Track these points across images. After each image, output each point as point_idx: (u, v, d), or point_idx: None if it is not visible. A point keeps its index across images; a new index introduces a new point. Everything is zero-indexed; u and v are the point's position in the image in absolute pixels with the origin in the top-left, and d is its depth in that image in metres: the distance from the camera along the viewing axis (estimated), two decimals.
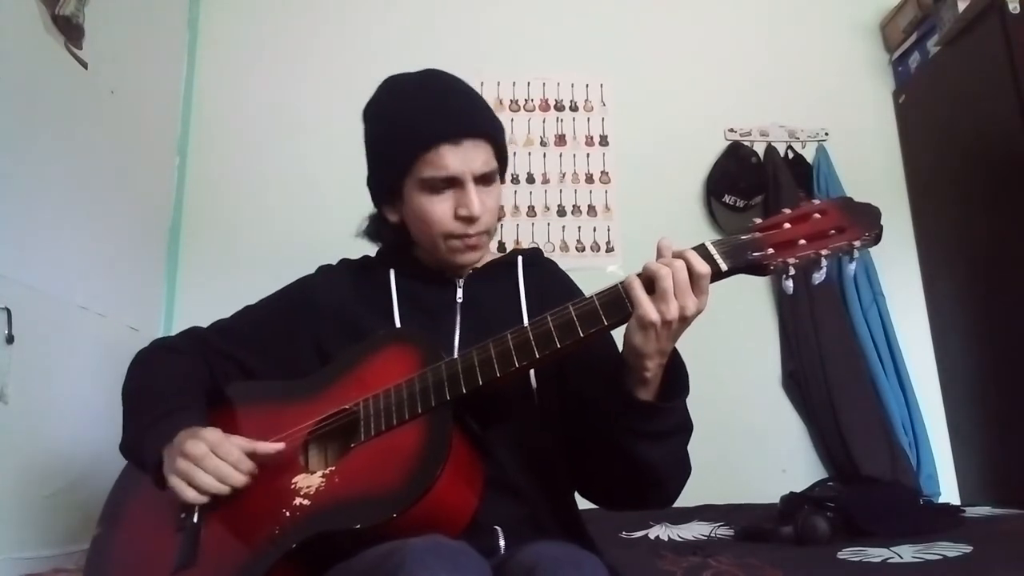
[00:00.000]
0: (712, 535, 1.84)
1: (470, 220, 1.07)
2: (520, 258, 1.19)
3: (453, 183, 1.06)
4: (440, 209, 1.07)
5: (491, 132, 1.09)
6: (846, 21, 2.88)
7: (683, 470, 1.00)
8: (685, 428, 0.96)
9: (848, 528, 1.71)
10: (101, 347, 1.99)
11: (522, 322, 0.98)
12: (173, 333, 2.39)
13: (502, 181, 1.15)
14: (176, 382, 1.10)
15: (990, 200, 2.38)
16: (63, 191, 1.87)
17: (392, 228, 1.17)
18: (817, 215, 0.88)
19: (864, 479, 2.24)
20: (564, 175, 2.68)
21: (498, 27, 2.79)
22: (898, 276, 2.62)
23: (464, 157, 1.05)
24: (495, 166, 1.10)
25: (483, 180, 1.08)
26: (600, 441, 0.96)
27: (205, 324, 1.25)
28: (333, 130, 2.56)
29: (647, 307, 0.85)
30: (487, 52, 2.74)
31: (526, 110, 2.72)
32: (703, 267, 0.86)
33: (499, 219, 1.17)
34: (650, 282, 0.87)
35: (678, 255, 0.87)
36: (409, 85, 1.12)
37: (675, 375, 0.93)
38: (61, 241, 1.86)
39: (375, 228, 1.23)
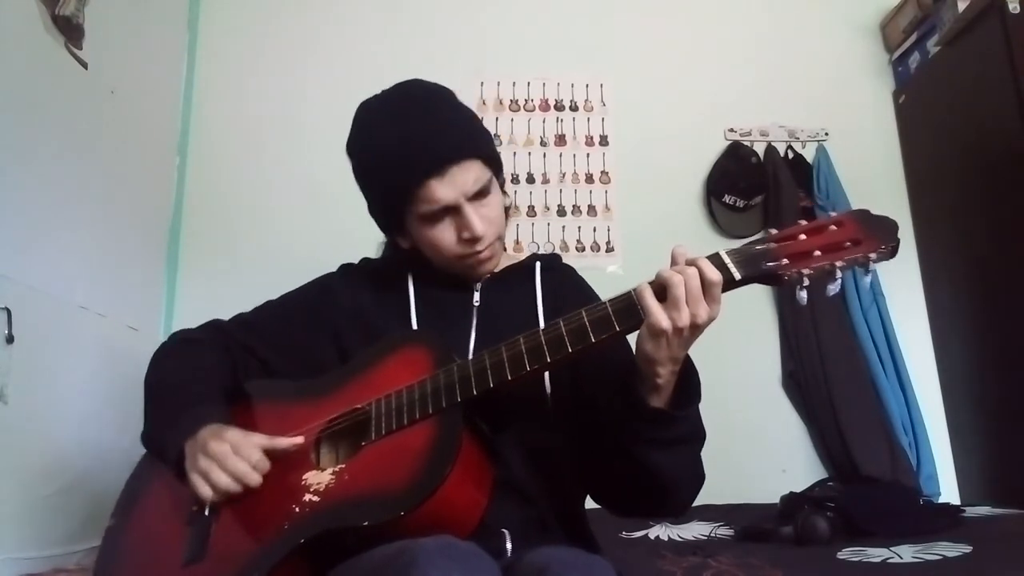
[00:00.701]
0: (712, 535, 1.84)
1: (474, 240, 1.07)
2: (538, 263, 1.19)
3: (450, 210, 1.05)
4: (444, 236, 1.07)
5: (475, 149, 1.07)
6: (846, 21, 2.88)
7: (695, 478, 1.00)
8: (697, 437, 0.96)
9: (848, 528, 1.71)
10: (101, 347, 1.98)
11: (537, 327, 0.99)
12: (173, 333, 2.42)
13: (501, 183, 1.14)
14: (198, 375, 1.11)
15: (990, 200, 2.38)
16: (63, 191, 1.87)
17: (406, 251, 1.18)
18: (833, 227, 0.87)
19: (864, 479, 2.24)
20: (564, 175, 2.68)
21: (498, 27, 2.79)
22: (898, 276, 2.61)
23: (452, 184, 1.03)
24: (488, 177, 1.08)
25: (478, 196, 1.07)
26: (612, 448, 0.96)
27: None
28: (333, 130, 2.54)
29: (658, 314, 0.85)
30: (487, 52, 2.74)
31: (526, 110, 2.72)
32: (715, 275, 0.86)
33: (507, 217, 1.16)
34: (662, 289, 0.87)
35: (691, 263, 0.87)
36: (381, 113, 1.09)
37: (687, 383, 0.93)
38: (61, 241, 1.86)
39: (391, 252, 1.24)
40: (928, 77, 2.65)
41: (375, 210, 1.15)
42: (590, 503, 1.11)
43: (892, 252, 0.86)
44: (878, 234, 0.86)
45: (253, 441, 0.99)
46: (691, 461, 0.98)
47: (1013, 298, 2.26)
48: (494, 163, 1.11)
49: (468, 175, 1.05)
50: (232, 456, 0.96)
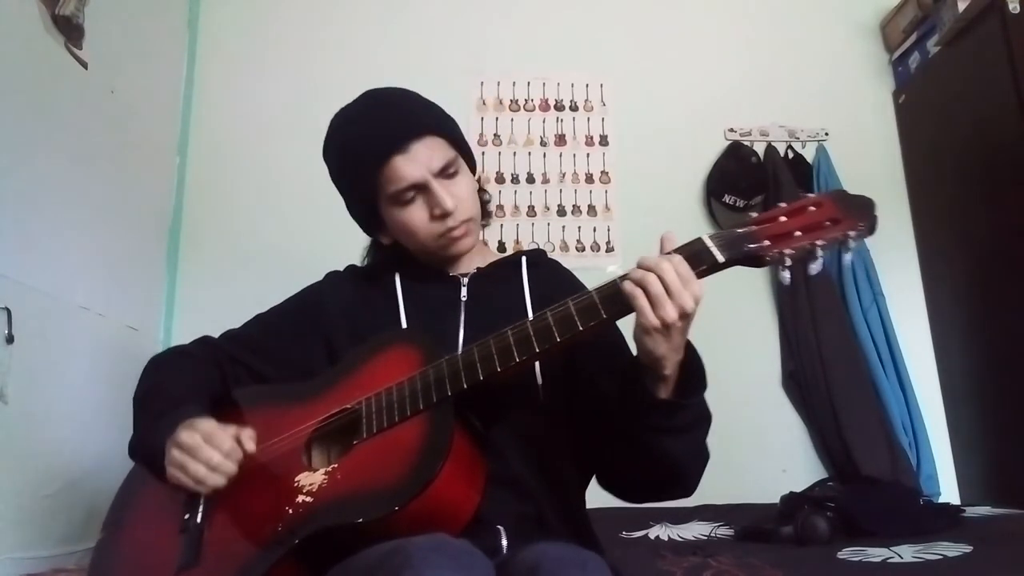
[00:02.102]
0: (712, 535, 1.84)
1: (446, 215, 1.10)
2: (524, 258, 1.20)
3: (418, 188, 1.09)
4: (417, 217, 1.10)
5: (435, 125, 1.11)
6: (846, 21, 2.88)
7: (703, 459, 1.01)
8: (705, 419, 0.97)
9: (848, 528, 1.71)
10: (101, 347, 1.99)
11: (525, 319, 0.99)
12: (173, 333, 2.42)
13: (472, 168, 1.17)
14: (185, 382, 1.12)
15: (990, 200, 2.38)
16: (63, 191, 1.87)
17: (388, 249, 1.21)
18: (812, 208, 0.89)
19: (864, 479, 2.24)
20: (564, 175, 2.68)
21: (498, 27, 2.79)
22: (898, 276, 2.62)
23: (416, 161, 1.07)
24: (453, 155, 1.12)
25: (444, 173, 1.10)
26: (621, 437, 0.97)
27: (204, 324, 1.27)
28: None
29: (648, 315, 0.86)
30: (487, 52, 2.74)
31: (526, 110, 2.72)
32: (682, 264, 0.87)
33: (486, 203, 1.20)
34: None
35: (654, 265, 0.88)
36: (349, 113, 1.16)
37: (693, 369, 0.93)
38: (61, 241, 1.86)
39: (374, 254, 1.27)
40: (928, 77, 2.65)
41: (353, 208, 1.19)
42: (587, 502, 1.11)
43: (870, 230, 0.87)
44: (856, 212, 0.88)
45: (227, 431, 0.99)
46: (699, 443, 0.99)
47: (1013, 298, 2.26)
48: (460, 145, 1.14)
49: (431, 151, 1.09)
50: (204, 447, 0.96)
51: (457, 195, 1.10)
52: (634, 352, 0.93)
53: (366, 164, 1.08)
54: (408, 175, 1.07)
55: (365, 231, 1.23)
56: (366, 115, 1.13)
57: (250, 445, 0.99)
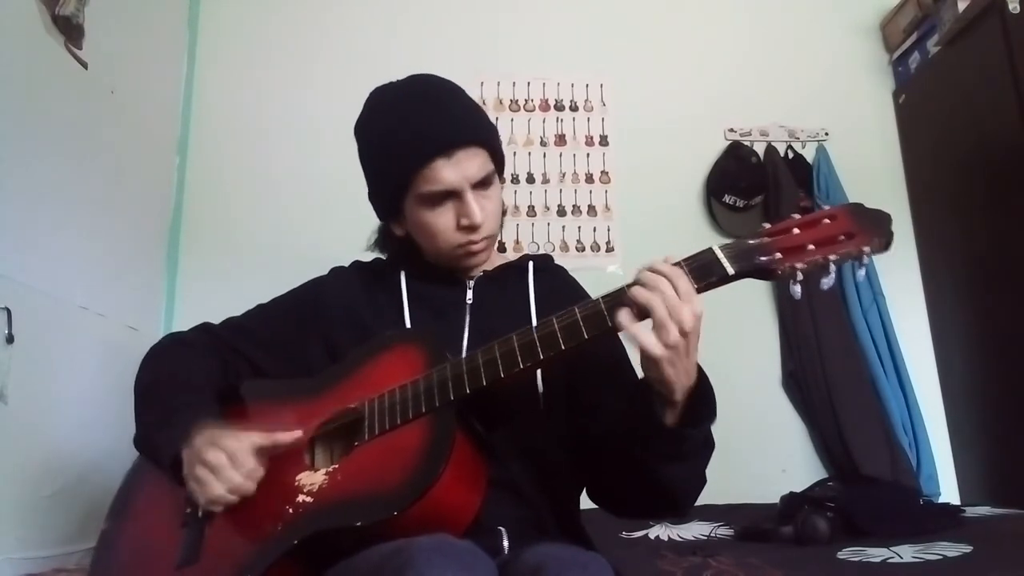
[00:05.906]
0: (712, 535, 1.84)
1: (472, 228, 1.08)
2: (531, 263, 1.20)
3: (451, 195, 1.07)
4: (442, 221, 1.08)
5: (483, 137, 1.09)
6: (846, 21, 2.89)
7: (700, 485, 0.99)
8: (709, 447, 0.96)
9: (848, 528, 1.71)
10: (101, 347, 1.99)
11: (530, 325, 0.99)
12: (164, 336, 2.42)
13: (501, 181, 1.15)
14: (190, 377, 1.10)
15: (990, 200, 2.38)
16: (63, 191, 1.87)
17: (399, 240, 1.19)
18: (827, 220, 0.87)
19: (864, 479, 2.24)
20: (564, 175, 2.68)
21: (498, 27, 2.79)
22: (898, 276, 2.62)
23: (458, 168, 1.05)
24: (491, 168, 1.10)
25: (480, 185, 1.08)
26: (621, 457, 0.96)
27: None
28: (333, 129, 2.55)
29: (651, 344, 0.83)
30: (487, 52, 2.74)
31: (526, 110, 2.72)
32: (681, 279, 0.85)
33: (503, 216, 1.17)
34: (643, 312, 0.85)
35: (655, 272, 0.86)
36: (394, 98, 1.12)
37: (703, 397, 0.91)
38: (61, 241, 1.86)
39: (383, 241, 1.24)
40: (928, 77, 2.65)
41: (376, 191, 1.16)
42: (585, 503, 1.11)
43: (886, 245, 0.86)
44: (871, 227, 0.86)
45: (250, 443, 0.97)
46: (699, 469, 0.97)
47: (1013, 298, 2.26)
48: (498, 159, 1.13)
49: (474, 161, 1.06)
50: (228, 468, 0.94)
51: (487, 210, 1.08)
52: (635, 364, 0.92)
53: (406, 159, 1.05)
54: (446, 180, 1.04)
55: (381, 217, 1.20)
56: (416, 107, 1.08)
57: (285, 437, 0.98)
